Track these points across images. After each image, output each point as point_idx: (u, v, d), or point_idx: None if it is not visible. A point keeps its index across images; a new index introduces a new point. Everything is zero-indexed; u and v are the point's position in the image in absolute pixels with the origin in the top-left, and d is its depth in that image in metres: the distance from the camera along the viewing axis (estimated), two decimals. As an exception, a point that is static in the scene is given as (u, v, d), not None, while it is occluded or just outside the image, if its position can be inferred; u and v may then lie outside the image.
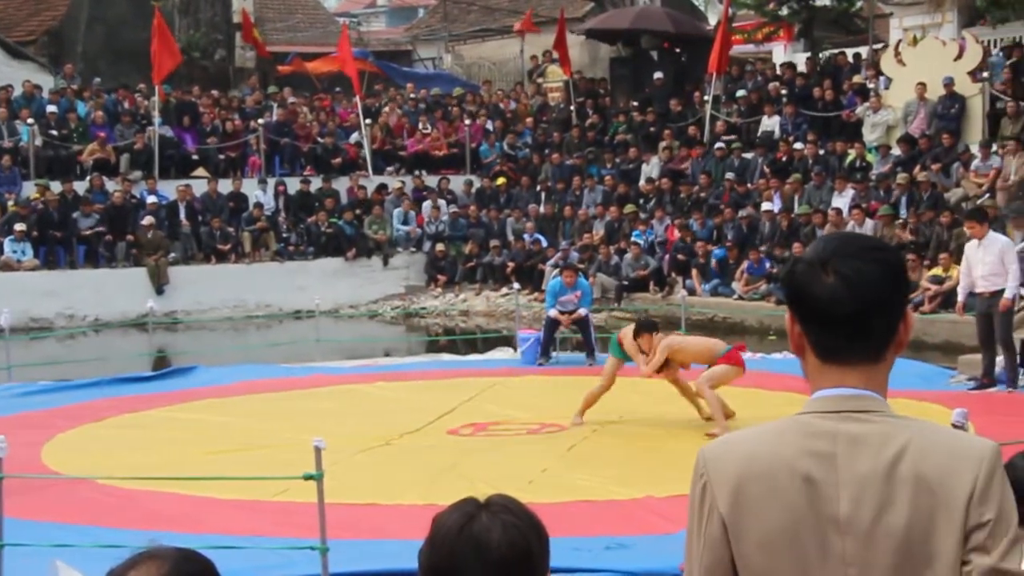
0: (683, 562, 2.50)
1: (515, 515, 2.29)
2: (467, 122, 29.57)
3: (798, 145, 24.62)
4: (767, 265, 22.03)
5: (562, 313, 16.42)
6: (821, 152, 24.27)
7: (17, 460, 9.00)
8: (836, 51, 28.15)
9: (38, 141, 26.09)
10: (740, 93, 26.97)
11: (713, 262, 22.80)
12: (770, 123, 25.83)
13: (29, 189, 25.03)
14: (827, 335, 2.40)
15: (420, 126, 29.53)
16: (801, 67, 27.31)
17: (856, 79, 25.53)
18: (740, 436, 2.48)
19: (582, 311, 16.52)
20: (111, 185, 25.55)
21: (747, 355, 16.85)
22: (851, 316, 2.37)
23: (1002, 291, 13.16)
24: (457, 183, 28.36)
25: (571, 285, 16.61)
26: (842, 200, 22.42)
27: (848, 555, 2.31)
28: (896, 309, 2.41)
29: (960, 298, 13.94)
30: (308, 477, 7.52)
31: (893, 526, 2.29)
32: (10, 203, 24.44)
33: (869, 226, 21.30)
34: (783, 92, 26.27)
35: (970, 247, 13.62)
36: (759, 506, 2.35)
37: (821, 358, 2.42)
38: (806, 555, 2.33)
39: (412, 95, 31.30)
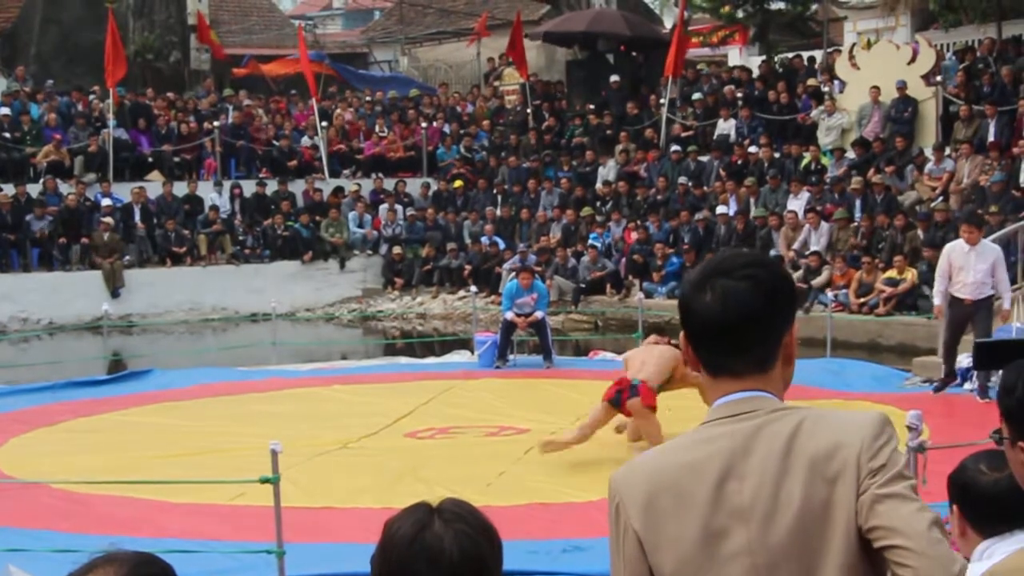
0: None
1: (467, 522, 2.28)
2: (424, 125, 29.55)
3: (753, 148, 24.76)
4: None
5: (519, 316, 16.44)
6: (776, 155, 24.43)
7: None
8: (791, 55, 28.34)
9: (-10, 143, 25.87)
10: (696, 96, 27.11)
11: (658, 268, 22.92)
12: (725, 126, 25.97)
13: (-19, 192, 24.81)
14: (710, 351, 2.49)
15: (376, 129, 29.48)
16: (756, 71, 27.47)
17: (811, 82, 25.70)
18: (645, 456, 2.56)
19: (539, 314, 16.54)
20: (65, 188, 25.35)
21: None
22: (725, 332, 2.45)
23: (986, 299, 12.89)
24: (414, 186, 28.34)
25: (527, 287, 16.63)
26: (797, 203, 22.58)
27: (753, 544, 2.37)
28: (772, 323, 2.46)
29: (938, 300, 13.33)
30: (265, 480, 7.50)
31: (792, 502, 2.35)
32: (-38, 206, 24.21)
33: (825, 229, 21.48)
34: (738, 95, 26.41)
35: (957, 251, 13.07)
36: (669, 516, 2.41)
37: (710, 373, 2.51)
38: (716, 554, 2.39)
39: (368, 98, 31.25)
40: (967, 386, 13.41)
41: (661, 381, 10.93)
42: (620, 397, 10.72)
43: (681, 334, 2.56)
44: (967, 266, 12.95)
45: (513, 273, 18.81)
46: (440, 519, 2.27)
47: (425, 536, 2.24)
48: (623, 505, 2.47)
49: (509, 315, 16.49)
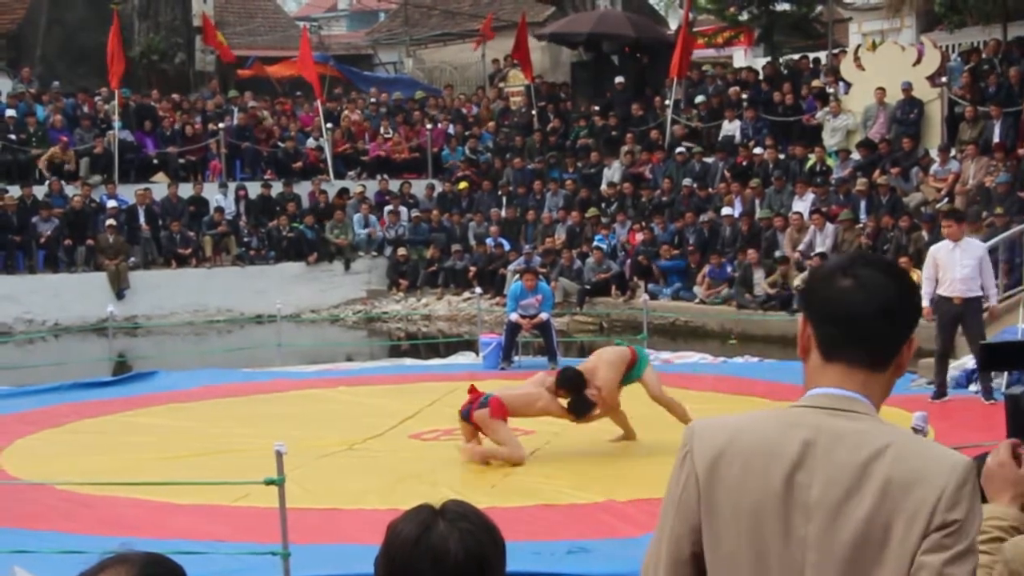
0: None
1: (471, 522, 2.29)
2: (428, 126, 29.56)
3: (758, 150, 24.75)
4: (728, 269, 22.14)
5: (524, 317, 16.43)
6: (781, 157, 24.41)
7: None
8: (796, 56, 28.33)
9: (-4, 145, 25.91)
10: (700, 99, 27.10)
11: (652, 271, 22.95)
12: (730, 128, 25.96)
13: (-13, 193, 24.85)
14: (834, 333, 2.50)
15: (381, 130, 29.49)
16: (761, 72, 27.45)
17: (816, 84, 25.69)
18: (732, 416, 2.58)
19: (543, 315, 16.53)
20: (70, 189, 25.38)
21: (708, 360, 17.02)
22: (859, 317, 2.48)
23: (976, 298, 12.71)
24: (419, 187, 28.35)
25: (532, 289, 16.61)
26: (803, 204, 22.57)
27: (810, 539, 2.40)
28: (903, 322, 2.51)
29: (926, 303, 13.43)
30: (270, 482, 7.50)
31: (855, 516, 2.37)
32: (-32, 207, 24.25)
33: (830, 230, 21.47)
34: (743, 97, 26.40)
35: (942, 249, 12.97)
36: (734, 481, 2.45)
37: (824, 356, 2.52)
38: (769, 534, 2.43)
39: (373, 99, 31.27)
40: (971, 388, 13.38)
41: (617, 380, 11.10)
42: (469, 409, 10.74)
43: (800, 316, 2.59)
44: (952, 263, 12.78)
45: (518, 275, 18.79)
46: (444, 520, 2.28)
47: (429, 536, 2.25)
48: (692, 454, 2.51)
49: (513, 316, 16.50)
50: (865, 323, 2.47)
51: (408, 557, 2.24)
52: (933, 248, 13.42)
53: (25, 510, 9.52)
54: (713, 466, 2.47)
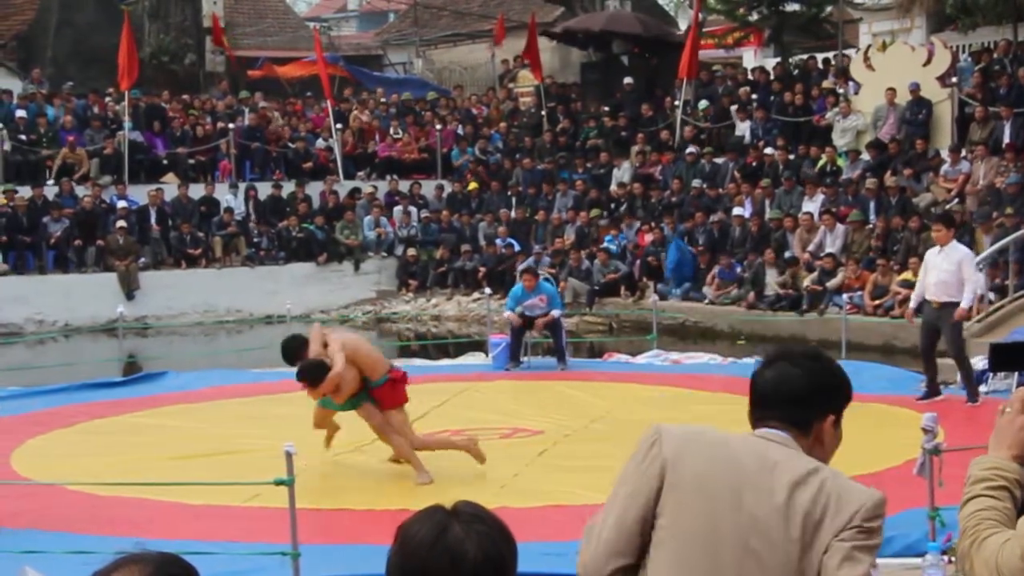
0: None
1: (486, 524, 2.29)
2: (438, 127, 29.57)
3: (768, 150, 24.72)
4: (738, 270, 22.12)
5: (533, 318, 16.39)
6: (791, 157, 24.38)
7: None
8: (806, 56, 28.29)
9: (7, 146, 25.95)
10: (702, 105, 27.06)
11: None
12: (741, 128, 25.94)
13: (-2, 194, 24.91)
14: (756, 411, 3.10)
15: (391, 131, 29.51)
16: (771, 72, 27.42)
17: (826, 84, 25.66)
18: (698, 426, 3.15)
19: (555, 312, 16.46)
20: (80, 190, 25.43)
21: (717, 360, 16.98)
22: (771, 402, 3.06)
23: (953, 303, 12.69)
24: (428, 188, 28.36)
25: (531, 289, 16.51)
26: (812, 205, 22.54)
27: (756, 512, 2.89)
28: (811, 405, 3.04)
29: (912, 304, 13.40)
30: (279, 482, 7.51)
31: (797, 505, 2.87)
32: (-22, 208, 24.31)
33: (840, 231, 21.44)
34: (753, 97, 26.38)
35: (930, 253, 13.17)
36: (696, 459, 2.96)
37: (753, 425, 3.11)
38: (722, 499, 2.92)
39: (383, 100, 31.29)
40: (983, 388, 13.33)
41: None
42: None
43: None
44: (934, 267, 12.87)
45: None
46: (459, 521, 2.28)
47: (446, 538, 2.25)
48: (661, 440, 3.01)
49: (509, 314, 16.41)
50: (776, 406, 3.05)
51: (425, 559, 2.24)
52: (927, 253, 13.48)
53: (36, 511, 9.54)
54: (679, 452, 2.97)
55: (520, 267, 23.41)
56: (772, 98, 26.06)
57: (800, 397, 3.02)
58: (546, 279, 19.10)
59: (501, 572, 2.27)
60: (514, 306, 16.49)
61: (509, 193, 27.53)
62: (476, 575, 2.24)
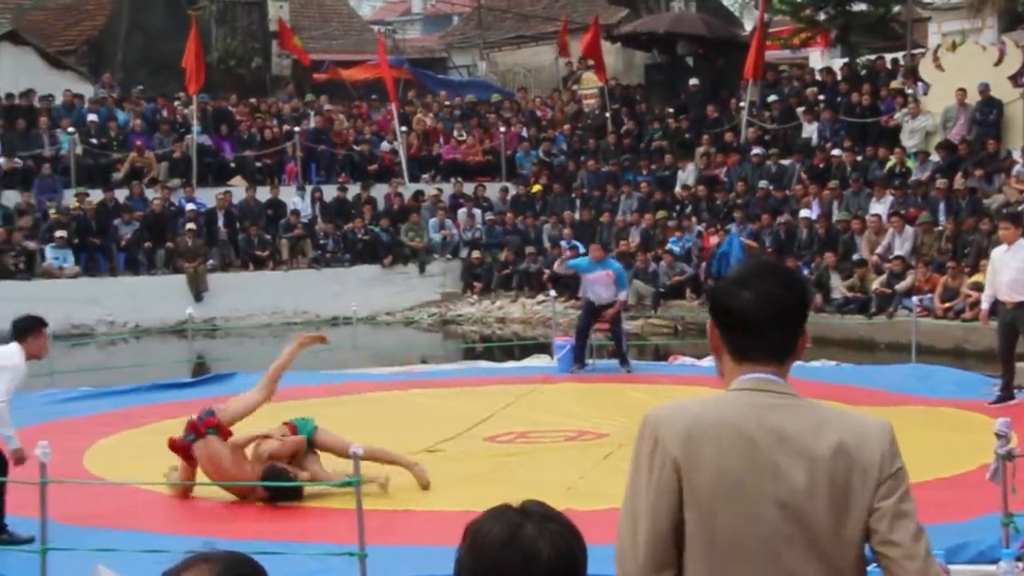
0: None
1: (558, 523, 2.29)
2: (502, 129, 29.61)
3: (836, 151, 24.49)
4: (805, 272, 21.92)
5: (600, 307, 16.03)
6: (859, 159, 24.14)
7: (60, 465, 9.09)
8: (874, 56, 28.01)
9: (78, 150, 26.33)
10: (772, 98, 26.88)
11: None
12: (807, 129, 25.73)
13: (69, 197, 25.27)
14: (740, 340, 2.95)
15: (455, 133, 29.59)
16: (838, 73, 27.17)
17: (894, 85, 25.39)
18: (684, 402, 2.99)
19: (622, 295, 16.19)
20: (150, 193, 25.74)
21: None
22: (759, 325, 2.91)
23: None
24: (493, 190, 28.40)
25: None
26: (881, 207, 22.30)
27: (782, 496, 2.81)
28: (795, 324, 2.95)
29: (984, 305, 13.19)
30: (347, 483, 7.54)
31: (819, 478, 2.81)
32: (51, 211, 24.67)
33: (909, 233, 21.20)
34: (820, 98, 26.15)
35: (997, 252, 12.96)
36: (709, 453, 2.83)
37: (735, 359, 2.97)
38: (748, 493, 2.82)
39: (447, 102, 31.38)
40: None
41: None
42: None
43: (709, 322, 3.00)
44: (1003, 266, 12.63)
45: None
46: (531, 521, 2.27)
47: (519, 537, 2.25)
48: (662, 440, 2.87)
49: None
50: (764, 331, 2.91)
51: (497, 558, 2.24)
52: (993, 252, 13.24)
53: (107, 509, 9.66)
54: (686, 445, 2.84)
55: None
56: (839, 99, 25.81)
57: (789, 318, 2.92)
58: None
59: (574, 572, 2.26)
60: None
61: (573, 195, 27.50)
62: (550, 573, 2.23)
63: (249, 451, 9.90)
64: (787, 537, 2.81)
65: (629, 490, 2.91)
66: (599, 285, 16.04)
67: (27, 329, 9.15)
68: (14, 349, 9.03)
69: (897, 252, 20.93)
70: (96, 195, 25.20)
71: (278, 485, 9.66)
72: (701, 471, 2.82)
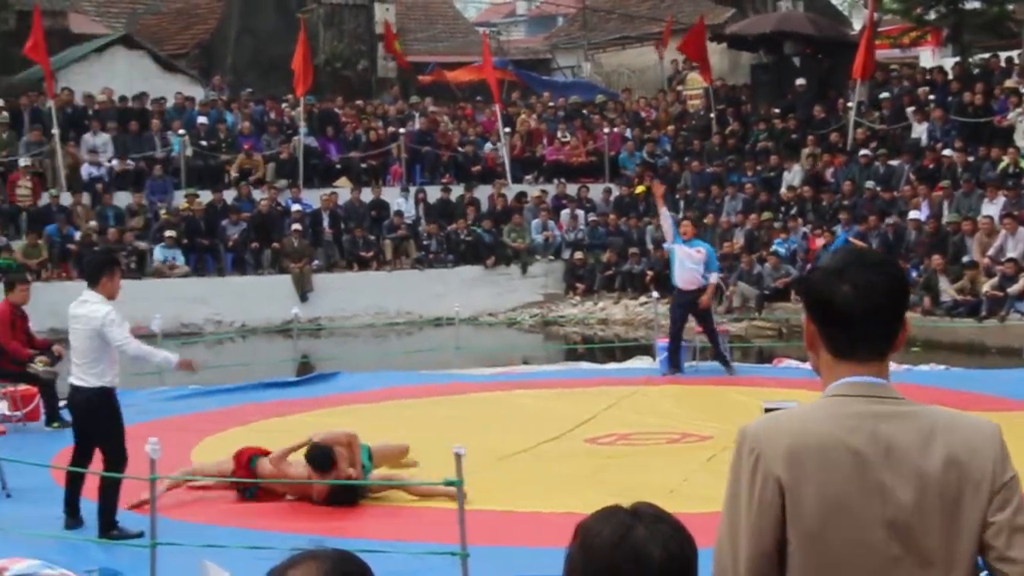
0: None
1: (669, 525, 2.29)
2: (606, 130, 29.54)
3: (947, 152, 24.04)
4: (913, 275, 21.55)
5: (689, 297, 15.70)
6: (971, 159, 23.66)
7: (168, 462, 9.26)
8: (987, 55, 27.44)
9: (189, 151, 26.81)
10: (883, 95, 26.45)
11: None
12: (917, 129, 25.29)
13: (180, 198, 25.74)
14: (840, 336, 2.80)
15: (559, 134, 29.60)
16: (950, 72, 26.67)
17: (1008, 84, 24.84)
18: (783, 415, 2.84)
19: (713, 277, 15.92)
20: (257, 194, 26.11)
21: (892, 367, 16.54)
22: (860, 320, 2.77)
23: None
24: (596, 191, 28.35)
25: (690, 238, 15.83)
26: (993, 208, 21.83)
27: (888, 517, 2.69)
28: (897, 316, 2.81)
29: None
30: (449, 483, 7.58)
31: (929, 494, 2.69)
32: (162, 211, 25.15)
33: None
34: (931, 97, 25.69)
35: None
36: (815, 473, 2.70)
37: (835, 355, 2.82)
38: (854, 516, 2.69)
39: (551, 103, 31.39)
40: None
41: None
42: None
43: (804, 316, 2.87)
44: None
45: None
46: (643, 523, 2.26)
47: (631, 538, 2.24)
48: (764, 456, 2.73)
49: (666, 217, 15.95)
50: (866, 326, 2.77)
51: (609, 559, 2.24)
52: None
53: (214, 506, 9.82)
54: (791, 464, 2.70)
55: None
56: (950, 98, 25.34)
57: (890, 310, 2.78)
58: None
59: (685, 574, 2.25)
60: (671, 224, 16.00)
61: (677, 196, 27.31)
62: (662, 574, 2.22)
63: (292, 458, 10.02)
64: (895, 558, 2.70)
65: (728, 508, 2.79)
66: (689, 261, 15.68)
67: (100, 268, 9.05)
68: (97, 300, 8.89)
69: (1010, 254, 20.47)
70: (205, 196, 25.64)
71: (365, 484, 9.81)
72: (805, 493, 2.70)
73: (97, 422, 8.96)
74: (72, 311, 8.97)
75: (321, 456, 9.69)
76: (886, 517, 2.69)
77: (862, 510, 2.69)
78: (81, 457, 9.11)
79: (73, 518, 9.12)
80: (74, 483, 9.12)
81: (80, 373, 8.95)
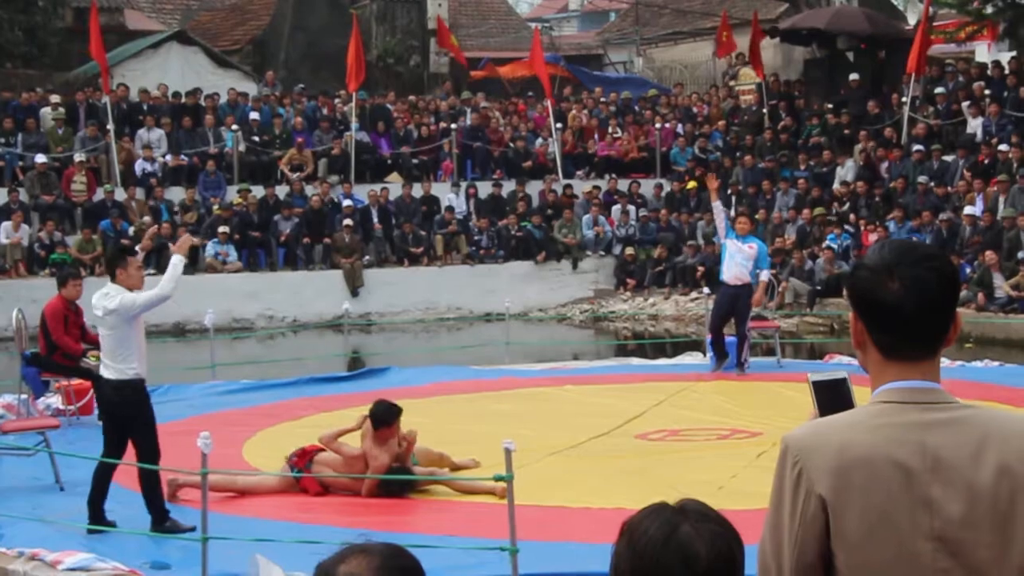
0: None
1: (716, 523, 2.28)
2: (657, 126, 29.46)
3: (1003, 147, 23.78)
4: (967, 270, 21.34)
5: (734, 293, 15.41)
6: (1027, 154, 23.39)
7: (219, 456, 9.33)
8: (1044, 49, 27.11)
9: (242, 147, 26.98)
10: (939, 90, 26.19)
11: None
12: (972, 125, 25.04)
13: (232, 193, 25.91)
14: (889, 335, 2.68)
15: (610, 130, 29.54)
16: (1006, 67, 26.36)
17: (1065, 79, 24.54)
18: (828, 426, 2.71)
19: (764, 275, 15.72)
20: (310, 189, 26.23)
21: (945, 363, 16.39)
22: (911, 318, 2.65)
23: None
24: (647, 186, 28.28)
25: (744, 232, 15.53)
26: (1049, 204, 21.59)
27: (936, 530, 2.58)
28: (948, 312, 2.69)
29: None
30: (499, 478, 7.59)
31: (980, 506, 2.58)
32: (214, 207, 25.34)
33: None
34: (986, 92, 25.41)
35: None
36: (860, 489, 2.59)
37: (884, 355, 2.71)
38: (901, 531, 2.59)
39: (602, 99, 31.33)
40: None
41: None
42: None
43: (851, 313, 2.75)
44: None
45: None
46: (689, 520, 2.26)
47: (679, 536, 2.24)
48: (807, 470, 2.62)
49: (720, 209, 15.85)
50: (917, 323, 2.65)
51: (656, 556, 2.23)
52: None
53: (266, 500, 9.89)
54: (835, 480, 2.60)
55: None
56: (1007, 94, 25.05)
57: (942, 305, 2.65)
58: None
59: (732, 573, 2.25)
60: (723, 215, 15.89)
61: (729, 192, 27.19)
62: (709, 572, 2.22)
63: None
64: (944, 571, 2.60)
65: (772, 519, 2.68)
66: (740, 256, 15.41)
67: (113, 263, 9.13)
68: (116, 292, 8.87)
69: (1066, 251, 20.24)
70: (258, 191, 25.80)
71: (414, 479, 9.86)
72: (850, 508, 2.60)
73: (125, 414, 8.97)
74: (94, 303, 9.03)
75: (384, 411, 9.74)
76: (934, 531, 2.59)
77: (909, 525, 2.60)
78: (113, 450, 9.04)
79: (158, 517, 8.97)
80: (147, 482, 8.99)
81: (111, 363, 8.98)
